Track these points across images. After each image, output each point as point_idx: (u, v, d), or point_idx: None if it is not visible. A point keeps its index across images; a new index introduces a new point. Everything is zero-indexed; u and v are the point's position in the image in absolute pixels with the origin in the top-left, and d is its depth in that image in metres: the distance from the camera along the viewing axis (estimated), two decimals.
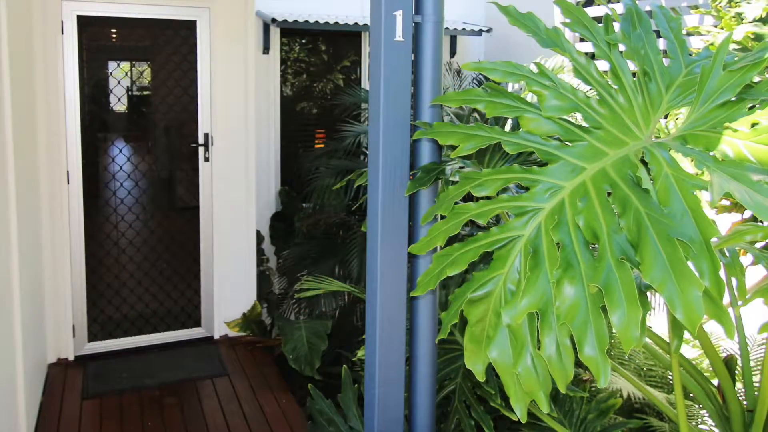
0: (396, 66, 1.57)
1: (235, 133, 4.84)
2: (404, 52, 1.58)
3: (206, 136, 4.78)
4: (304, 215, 5.59)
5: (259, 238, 5.43)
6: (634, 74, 1.42)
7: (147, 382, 4.24)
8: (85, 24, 4.43)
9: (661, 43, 1.49)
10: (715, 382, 1.70)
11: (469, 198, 1.34)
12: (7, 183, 3.12)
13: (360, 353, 2.38)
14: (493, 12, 6.42)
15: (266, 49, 5.86)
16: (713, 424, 2.78)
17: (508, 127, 2.21)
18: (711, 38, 2.58)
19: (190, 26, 4.66)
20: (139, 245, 4.83)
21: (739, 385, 2.13)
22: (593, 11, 5.10)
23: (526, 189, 1.27)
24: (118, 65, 4.73)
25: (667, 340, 1.56)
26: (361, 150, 5.53)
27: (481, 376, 1.18)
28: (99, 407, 3.93)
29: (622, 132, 1.32)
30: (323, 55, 6.32)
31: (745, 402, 1.63)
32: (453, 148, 1.40)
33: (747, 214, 2.13)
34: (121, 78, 4.73)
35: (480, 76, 5.96)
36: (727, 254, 1.46)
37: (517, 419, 1.20)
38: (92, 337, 4.67)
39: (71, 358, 4.53)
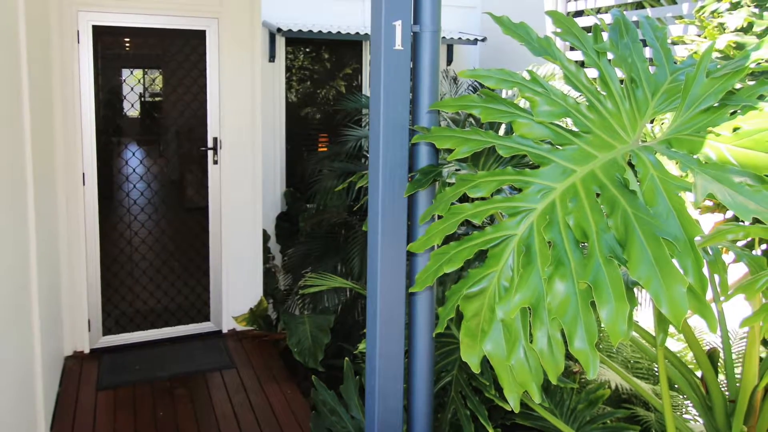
0: (395, 73, 1.57)
1: (242, 137, 4.84)
2: (403, 60, 1.58)
3: (215, 140, 4.78)
4: (308, 215, 5.59)
5: (265, 237, 5.43)
6: (621, 81, 1.42)
7: (159, 374, 4.24)
8: (100, 33, 4.43)
9: (648, 52, 1.49)
10: (698, 373, 1.70)
11: (464, 199, 1.34)
12: (26, 184, 3.12)
13: (361, 346, 2.38)
14: (488, 22, 6.42)
15: (272, 58, 5.86)
16: (697, 413, 2.78)
17: (502, 131, 2.21)
18: (695, 47, 2.58)
19: (199, 36, 4.66)
20: (151, 243, 4.83)
21: (721, 377, 2.13)
22: (583, 21, 5.10)
23: (519, 190, 1.27)
24: (132, 73, 4.73)
25: (653, 334, 1.56)
26: (362, 153, 5.54)
27: (476, 368, 1.18)
28: (113, 398, 3.93)
29: (611, 136, 1.32)
30: (326, 63, 6.32)
31: (727, 393, 1.63)
32: (450, 151, 1.40)
33: (729, 214, 2.13)
34: (134, 85, 4.73)
35: (475, 83, 5.96)
36: (710, 252, 1.46)
37: (510, 409, 1.20)
38: (107, 331, 4.67)
39: (87, 351, 4.53)
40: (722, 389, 1.60)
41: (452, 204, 1.32)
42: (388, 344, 1.67)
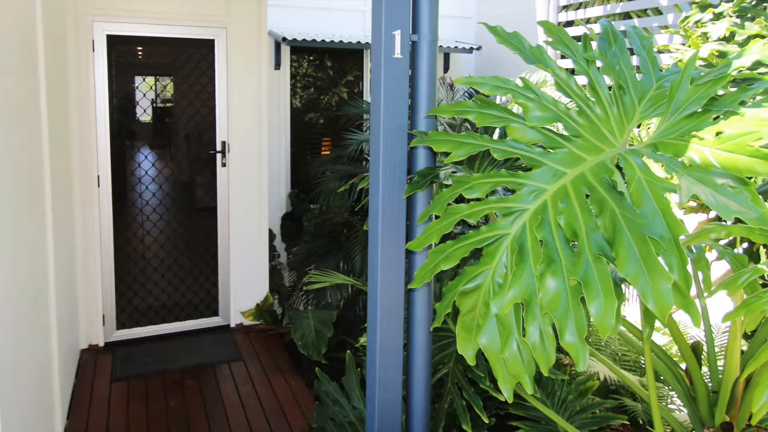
0: (395, 80, 1.57)
1: (249, 141, 4.84)
2: (402, 67, 1.58)
3: (223, 143, 4.78)
4: (312, 215, 5.59)
5: (271, 235, 5.43)
6: (610, 88, 1.42)
7: (170, 366, 4.23)
8: (114, 42, 4.43)
9: (635, 60, 1.49)
10: (683, 366, 1.69)
11: (461, 200, 1.34)
12: (43, 186, 3.12)
13: (362, 340, 2.38)
14: (483, 32, 6.42)
15: (277, 65, 5.86)
16: (681, 404, 2.78)
17: (496, 135, 2.21)
18: (679, 55, 2.58)
19: (208, 44, 4.66)
20: (162, 242, 4.83)
21: (704, 369, 2.13)
22: (573, 31, 5.10)
23: (513, 191, 1.27)
24: (144, 80, 4.73)
25: (640, 328, 1.56)
26: (363, 156, 5.53)
27: (471, 361, 1.18)
28: (126, 389, 3.93)
29: (599, 140, 1.32)
30: (329, 71, 6.31)
31: (710, 384, 1.63)
32: (446, 154, 1.40)
33: (712, 214, 2.13)
34: (147, 91, 4.73)
35: (471, 89, 5.96)
36: (694, 250, 1.46)
37: (504, 400, 1.20)
38: (120, 325, 4.67)
39: (101, 344, 4.53)
40: (705, 381, 1.60)
41: (449, 204, 1.32)
42: (388, 338, 1.67)
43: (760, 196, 1.02)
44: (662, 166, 1.17)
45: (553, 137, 1.33)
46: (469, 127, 3.61)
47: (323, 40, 5.61)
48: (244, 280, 4.96)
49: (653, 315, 1.25)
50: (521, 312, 1.14)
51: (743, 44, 2.23)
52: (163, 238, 4.83)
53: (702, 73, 1.31)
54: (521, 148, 1.33)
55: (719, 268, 1.76)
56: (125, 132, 4.65)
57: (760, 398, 1.08)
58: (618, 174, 1.18)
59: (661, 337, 3.49)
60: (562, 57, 5.23)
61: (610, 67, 1.43)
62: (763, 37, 2.17)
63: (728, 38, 2.31)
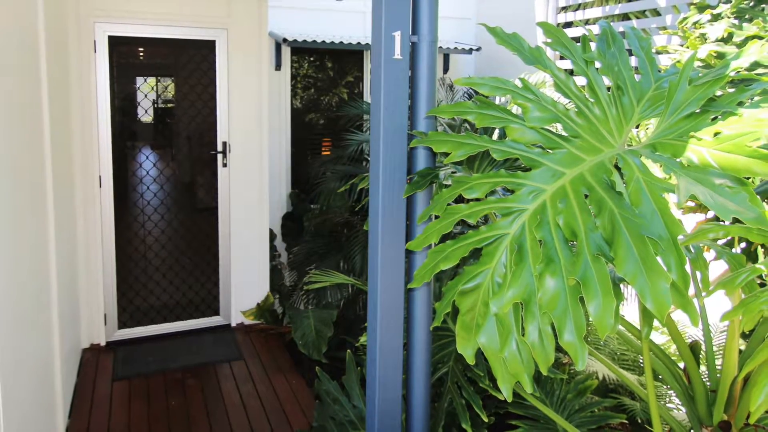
0: (395, 81, 1.57)
1: (250, 141, 4.84)
2: (402, 68, 1.58)
3: (224, 144, 4.78)
4: (312, 215, 5.59)
5: (272, 235, 5.43)
6: (608, 89, 1.42)
7: (171, 366, 4.23)
8: (116, 43, 4.43)
9: (633, 61, 1.49)
10: (681, 365, 1.69)
11: (460, 200, 1.34)
12: (45, 186, 3.12)
13: (362, 339, 2.38)
14: (483, 33, 6.42)
15: (278, 66, 5.86)
16: (680, 403, 2.78)
17: (495, 136, 2.21)
18: (678, 56, 2.57)
19: (209, 45, 4.67)
20: (163, 242, 4.83)
21: (702, 368, 2.13)
22: (572, 32, 5.10)
23: (512, 192, 1.27)
24: (145, 80, 4.73)
25: (638, 328, 1.56)
26: (363, 156, 5.53)
27: (471, 360, 1.18)
28: (128, 388, 3.93)
29: (598, 140, 1.32)
30: (329, 72, 6.31)
31: (708, 383, 1.63)
32: (446, 154, 1.40)
33: (710, 214, 2.13)
34: (148, 92, 4.73)
35: (470, 90, 5.96)
36: (692, 250, 1.46)
37: (503, 398, 1.20)
38: (122, 324, 4.67)
39: (103, 343, 4.53)
40: (704, 380, 1.60)
41: (448, 204, 1.32)
42: (388, 337, 1.67)
43: (758, 197, 1.02)
44: (661, 166, 1.17)
45: (552, 138, 1.33)
46: (468, 127, 3.61)
47: (323, 41, 5.61)
48: (245, 280, 4.96)
49: (652, 314, 1.25)
50: (520, 311, 1.14)
51: (741, 45, 2.23)
52: (164, 238, 4.83)
53: (700, 74, 1.31)
54: (520, 149, 1.33)
55: (717, 268, 1.76)
56: (127, 132, 4.65)
57: (758, 397, 1.08)
58: (617, 174, 1.18)
59: (659, 337, 3.49)
60: (561, 58, 5.23)
61: (609, 68, 1.43)
62: (761, 38, 2.18)
63: (726, 39, 2.31)
